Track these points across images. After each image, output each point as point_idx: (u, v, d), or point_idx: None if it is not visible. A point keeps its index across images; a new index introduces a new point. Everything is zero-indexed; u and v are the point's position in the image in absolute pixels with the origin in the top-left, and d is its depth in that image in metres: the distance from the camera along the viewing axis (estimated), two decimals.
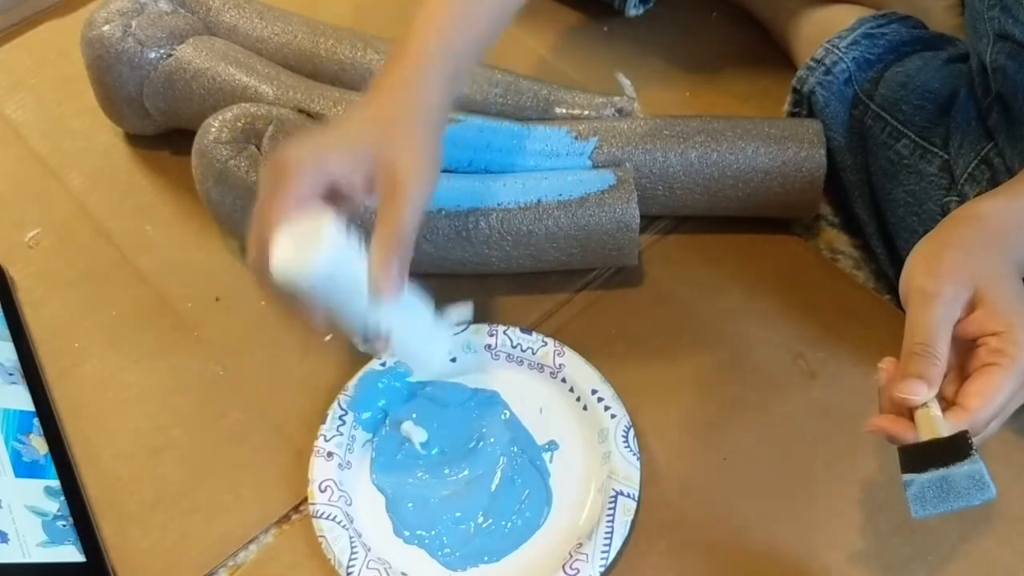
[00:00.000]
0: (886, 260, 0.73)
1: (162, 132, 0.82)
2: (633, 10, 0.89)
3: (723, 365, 0.71)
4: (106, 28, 0.77)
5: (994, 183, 0.64)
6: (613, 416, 0.66)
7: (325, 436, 0.66)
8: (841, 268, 0.76)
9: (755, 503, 0.65)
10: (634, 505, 0.63)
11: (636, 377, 0.70)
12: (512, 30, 0.90)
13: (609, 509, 0.62)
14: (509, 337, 0.70)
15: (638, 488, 0.63)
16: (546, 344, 0.69)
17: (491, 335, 0.70)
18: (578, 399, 0.68)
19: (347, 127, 0.59)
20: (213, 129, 0.71)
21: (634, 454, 0.64)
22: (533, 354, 0.69)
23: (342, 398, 0.67)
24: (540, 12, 0.92)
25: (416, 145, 0.57)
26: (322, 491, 0.64)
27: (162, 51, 0.77)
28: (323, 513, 0.63)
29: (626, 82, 0.87)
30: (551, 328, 0.73)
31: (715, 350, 0.72)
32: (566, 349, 0.69)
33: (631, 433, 0.65)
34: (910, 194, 0.68)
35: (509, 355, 0.70)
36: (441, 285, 0.75)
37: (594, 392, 0.67)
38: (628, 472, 0.64)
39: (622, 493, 0.63)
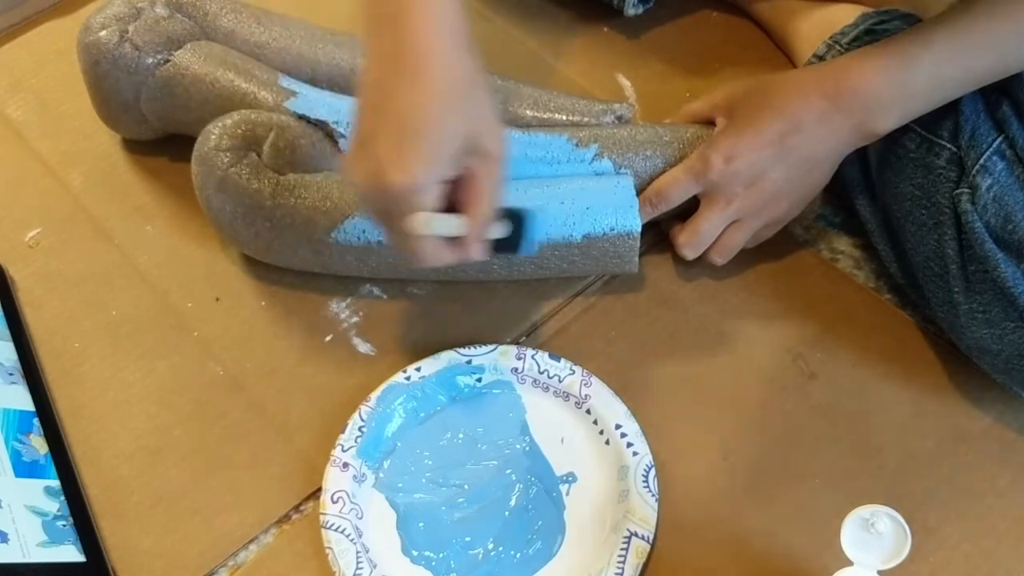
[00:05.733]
0: (889, 256, 0.73)
1: (160, 138, 0.82)
2: (632, 9, 0.89)
3: (723, 366, 0.71)
4: (103, 33, 0.76)
5: (1008, 173, 0.64)
6: (635, 454, 0.65)
7: (343, 446, 0.65)
8: (841, 269, 0.76)
9: (755, 503, 0.65)
10: (647, 548, 0.61)
11: (636, 378, 0.70)
12: (511, 31, 0.91)
13: (622, 549, 0.61)
14: (537, 362, 0.69)
15: (653, 531, 0.62)
16: (573, 373, 0.68)
17: (519, 358, 0.69)
18: (601, 432, 0.67)
19: (436, 124, 0.56)
20: (213, 136, 0.71)
21: (652, 495, 0.63)
22: (560, 382, 0.68)
23: (364, 408, 0.67)
24: (539, 13, 0.92)
25: (492, 111, 0.59)
26: (334, 502, 0.63)
27: (159, 57, 0.76)
28: (333, 524, 0.63)
29: (626, 83, 0.87)
30: (552, 330, 0.73)
31: (715, 351, 0.72)
32: (593, 379, 0.68)
33: (652, 474, 0.64)
34: (918, 188, 0.68)
35: (535, 380, 0.69)
36: (442, 288, 0.75)
37: (618, 427, 0.66)
38: (645, 513, 0.63)
39: (636, 534, 0.62)
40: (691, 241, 0.72)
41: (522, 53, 0.89)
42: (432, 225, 0.57)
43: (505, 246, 0.64)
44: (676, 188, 0.71)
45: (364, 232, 0.69)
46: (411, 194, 0.55)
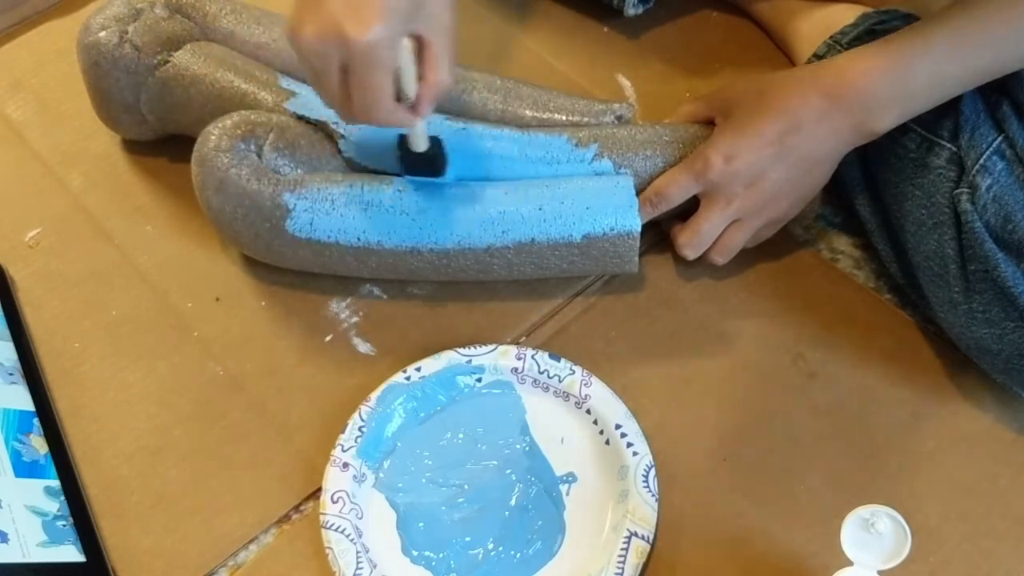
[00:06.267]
0: (889, 256, 0.73)
1: (160, 138, 0.82)
2: (632, 9, 0.89)
3: (723, 366, 0.71)
4: (102, 34, 0.76)
5: (1008, 173, 0.65)
6: (635, 454, 0.65)
7: (343, 446, 0.65)
8: (841, 268, 0.76)
9: (755, 503, 0.65)
10: (647, 548, 0.61)
11: (636, 378, 0.70)
12: (511, 30, 0.91)
13: (622, 549, 0.61)
14: (537, 362, 0.69)
15: (653, 531, 0.62)
16: (573, 373, 0.68)
17: (519, 358, 0.69)
18: (601, 432, 0.67)
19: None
20: (213, 137, 0.71)
21: (652, 495, 0.63)
22: (559, 382, 0.68)
23: (364, 408, 0.67)
24: (539, 12, 0.92)
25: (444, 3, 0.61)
26: (334, 502, 0.63)
27: (159, 57, 0.76)
28: (333, 524, 0.63)
29: (626, 83, 0.87)
30: (552, 330, 0.73)
31: (715, 351, 0.72)
32: (593, 380, 0.68)
33: (651, 474, 0.64)
34: (918, 187, 0.68)
35: (535, 380, 0.69)
36: (442, 288, 0.75)
37: (618, 427, 0.66)
38: (645, 513, 0.63)
39: (636, 534, 0.62)
40: (691, 241, 0.72)
41: (522, 53, 0.89)
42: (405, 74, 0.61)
43: (425, 167, 0.70)
44: (676, 188, 0.71)
45: (365, 232, 0.70)
46: (374, 48, 0.56)
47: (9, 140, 0.85)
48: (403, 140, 0.69)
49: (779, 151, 0.68)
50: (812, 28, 0.83)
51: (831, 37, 0.78)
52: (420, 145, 0.68)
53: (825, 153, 0.69)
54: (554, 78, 0.87)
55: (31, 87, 0.89)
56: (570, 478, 0.66)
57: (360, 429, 0.66)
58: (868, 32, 0.76)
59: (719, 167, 0.69)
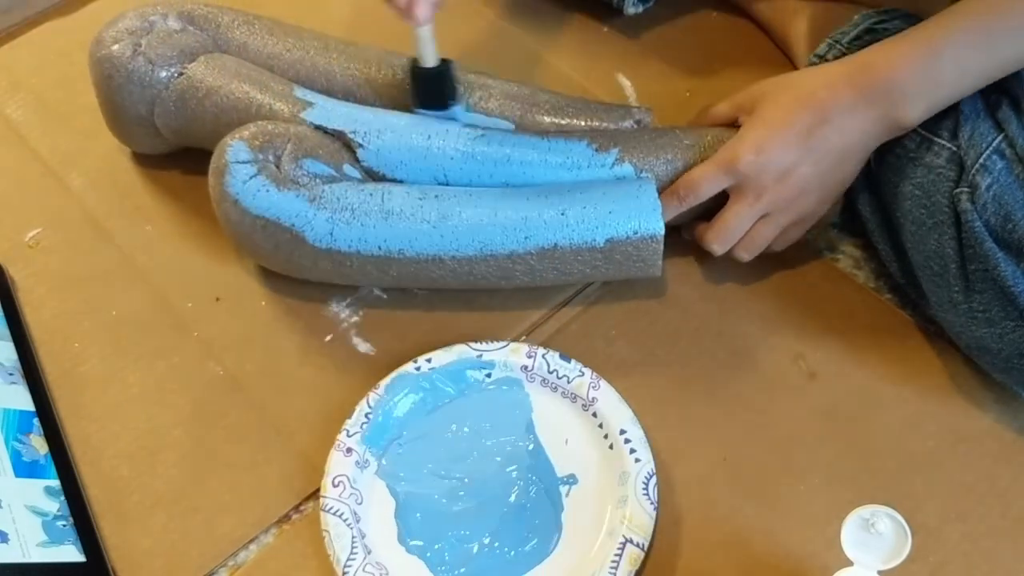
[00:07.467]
0: (889, 255, 0.73)
1: (172, 152, 0.81)
2: (632, 8, 0.89)
3: (723, 365, 0.71)
4: (115, 47, 0.75)
5: (1007, 172, 0.65)
6: (637, 460, 0.65)
7: (348, 431, 0.66)
8: (841, 268, 0.76)
9: (755, 503, 0.65)
10: (641, 556, 0.61)
11: (636, 378, 0.70)
12: (512, 30, 0.91)
13: (615, 555, 0.61)
14: (547, 361, 0.69)
15: (649, 539, 0.62)
16: (583, 375, 0.68)
17: (529, 356, 0.69)
18: (605, 436, 0.67)
19: None
20: (230, 149, 0.70)
21: (651, 503, 0.63)
22: (568, 382, 0.68)
23: (372, 395, 0.67)
24: (540, 12, 0.92)
25: None
26: (335, 486, 0.64)
27: (173, 70, 0.75)
28: (331, 508, 0.63)
29: (626, 83, 0.87)
30: (552, 329, 0.73)
31: (715, 350, 0.72)
32: (602, 383, 0.68)
33: (652, 482, 0.64)
34: (918, 187, 0.68)
35: (544, 379, 0.69)
36: (449, 291, 0.75)
37: (622, 432, 0.66)
38: (642, 520, 0.62)
39: (631, 541, 0.62)
40: (719, 236, 0.71)
41: (522, 52, 0.89)
42: None
43: (434, 97, 0.73)
44: (705, 180, 0.70)
45: (386, 241, 0.69)
46: None
47: (9, 140, 0.85)
48: (414, 65, 0.72)
49: (809, 144, 0.68)
50: (812, 28, 0.83)
51: (831, 37, 0.78)
52: (426, 58, 0.70)
53: (853, 146, 0.69)
54: (554, 77, 0.87)
55: (31, 87, 0.89)
56: (571, 480, 0.66)
57: (367, 415, 0.66)
58: (867, 32, 0.76)
59: (749, 158, 0.68)
